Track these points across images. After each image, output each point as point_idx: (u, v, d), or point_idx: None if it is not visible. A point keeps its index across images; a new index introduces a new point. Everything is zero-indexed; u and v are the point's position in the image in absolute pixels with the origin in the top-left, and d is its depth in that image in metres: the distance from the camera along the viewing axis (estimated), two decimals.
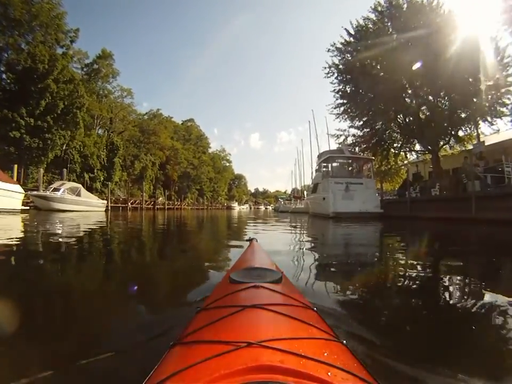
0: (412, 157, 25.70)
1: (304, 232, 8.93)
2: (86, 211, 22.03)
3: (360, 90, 21.57)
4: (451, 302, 2.13)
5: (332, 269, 3.28)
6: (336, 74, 22.49)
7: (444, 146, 21.24)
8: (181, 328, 0.84)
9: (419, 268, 3.36)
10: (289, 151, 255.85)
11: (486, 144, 15.42)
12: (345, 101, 22.88)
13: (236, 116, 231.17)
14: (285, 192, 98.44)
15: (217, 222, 14.97)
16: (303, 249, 4.74)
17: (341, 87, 22.59)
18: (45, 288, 2.41)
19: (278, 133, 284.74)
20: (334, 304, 1.89)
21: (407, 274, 3.03)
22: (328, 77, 22.70)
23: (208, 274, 2.87)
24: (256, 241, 2.08)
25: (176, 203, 51.93)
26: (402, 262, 3.83)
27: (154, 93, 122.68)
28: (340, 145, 22.82)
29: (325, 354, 0.60)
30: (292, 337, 0.63)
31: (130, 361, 1.24)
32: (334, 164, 19.46)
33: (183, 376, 0.53)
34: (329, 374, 0.52)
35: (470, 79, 17.24)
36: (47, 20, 30.43)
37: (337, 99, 23.02)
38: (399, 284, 2.64)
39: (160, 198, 48.33)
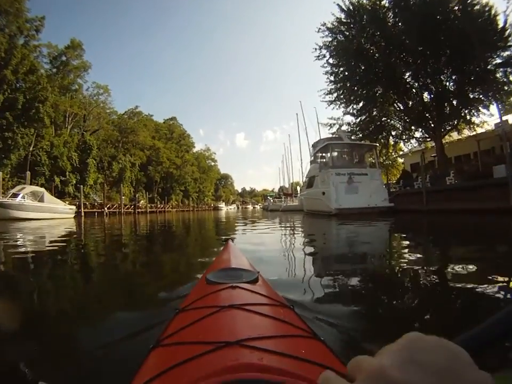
0: (409, 146, 23.67)
1: (307, 238, 6.86)
2: (51, 219, 19.25)
3: (357, 72, 19.46)
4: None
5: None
6: (328, 56, 20.43)
7: (449, 132, 19.35)
8: (160, 330, 0.83)
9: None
10: (275, 149, 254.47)
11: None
12: (339, 85, 20.78)
13: (221, 116, 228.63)
14: (272, 191, 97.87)
15: (202, 226, 13.03)
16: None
17: (334, 69, 20.49)
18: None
19: (263, 132, 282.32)
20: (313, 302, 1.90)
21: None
22: (319, 59, 20.68)
23: (187, 276, 2.97)
24: (232, 241, 2.04)
25: (159, 206, 49.03)
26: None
27: (139, 97, 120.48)
28: (336, 132, 20.57)
29: (303, 351, 0.59)
30: (269, 336, 0.63)
31: (112, 364, 1.23)
32: (334, 153, 17.13)
33: (164, 379, 0.54)
34: (307, 370, 0.51)
35: (480, 54, 15.32)
36: (6, 5, 27.05)
37: (330, 83, 21.06)
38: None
39: (142, 201, 45.40)
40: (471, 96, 17.02)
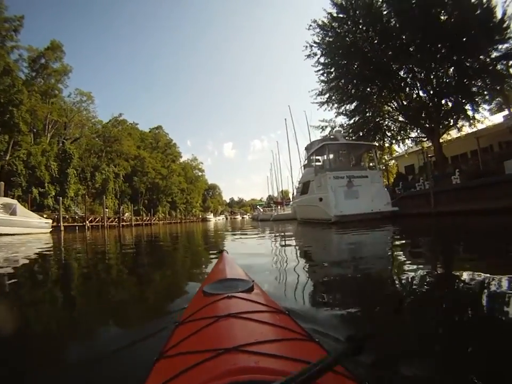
0: (405, 147, 22.83)
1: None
2: (24, 234, 17.54)
3: (350, 70, 18.66)
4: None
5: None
6: (319, 55, 19.56)
7: (448, 130, 18.66)
8: (161, 343, 0.85)
9: None
10: (263, 158, 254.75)
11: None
12: (331, 85, 19.92)
13: (209, 126, 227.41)
14: (260, 200, 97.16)
15: (192, 239, 12.08)
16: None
17: (326, 68, 19.66)
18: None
19: (251, 141, 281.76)
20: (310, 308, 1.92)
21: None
22: (310, 58, 19.77)
23: (184, 290, 2.91)
24: (227, 252, 2.03)
25: (145, 218, 47.24)
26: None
27: (127, 108, 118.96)
28: (331, 133, 19.53)
29: (299, 353, 0.62)
30: (265, 340, 0.66)
31: (116, 380, 1.23)
32: (330, 155, 15.96)
33: None
34: None
35: (481, 45, 14.65)
36: None
37: (321, 83, 20.20)
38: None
39: (127, 214, 43.53)
40: (473, 90, 16.32)
